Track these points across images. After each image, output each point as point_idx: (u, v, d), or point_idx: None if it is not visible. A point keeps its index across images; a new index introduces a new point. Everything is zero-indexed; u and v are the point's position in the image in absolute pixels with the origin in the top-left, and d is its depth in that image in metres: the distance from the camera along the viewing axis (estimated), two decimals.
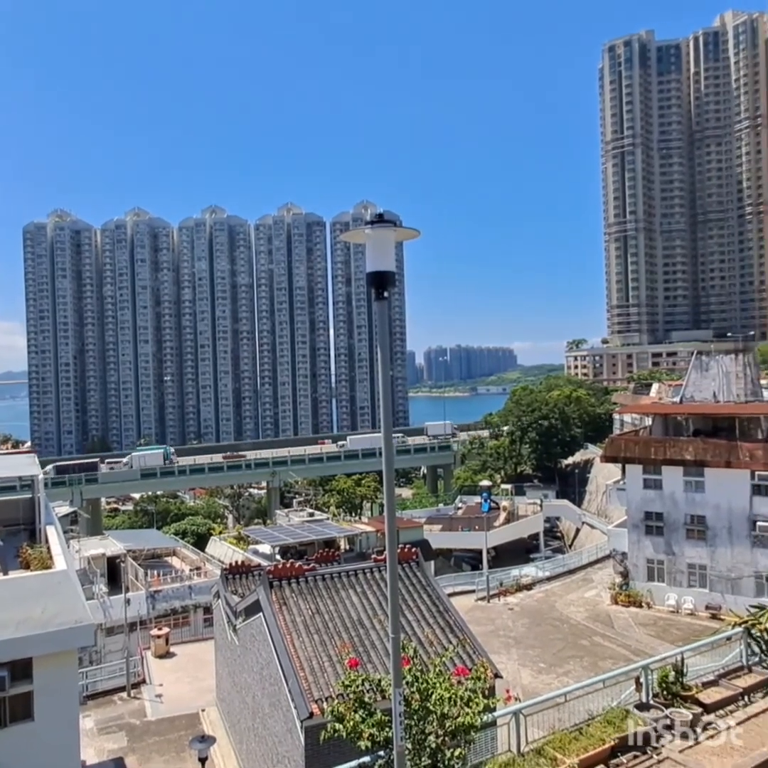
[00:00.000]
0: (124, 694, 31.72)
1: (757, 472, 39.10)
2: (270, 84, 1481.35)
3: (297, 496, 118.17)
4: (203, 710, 29.06)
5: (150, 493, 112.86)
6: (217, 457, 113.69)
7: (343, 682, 9.37)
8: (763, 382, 50.60)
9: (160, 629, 37.47)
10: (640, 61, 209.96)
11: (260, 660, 20.47)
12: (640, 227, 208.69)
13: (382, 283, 6.76)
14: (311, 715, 16.05)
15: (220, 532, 68.37)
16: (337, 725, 8.89)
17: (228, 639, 25.67)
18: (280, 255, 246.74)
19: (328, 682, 16.95)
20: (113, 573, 44.93)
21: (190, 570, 46.78)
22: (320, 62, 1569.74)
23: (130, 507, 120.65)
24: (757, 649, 13.67)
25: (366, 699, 9.07)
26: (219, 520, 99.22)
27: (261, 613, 20.02)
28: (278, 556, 42.69)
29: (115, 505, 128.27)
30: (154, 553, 52.41)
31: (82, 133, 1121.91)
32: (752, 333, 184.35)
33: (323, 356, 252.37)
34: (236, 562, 30.74)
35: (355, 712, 8.86)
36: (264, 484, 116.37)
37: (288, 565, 21.29)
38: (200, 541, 66.62)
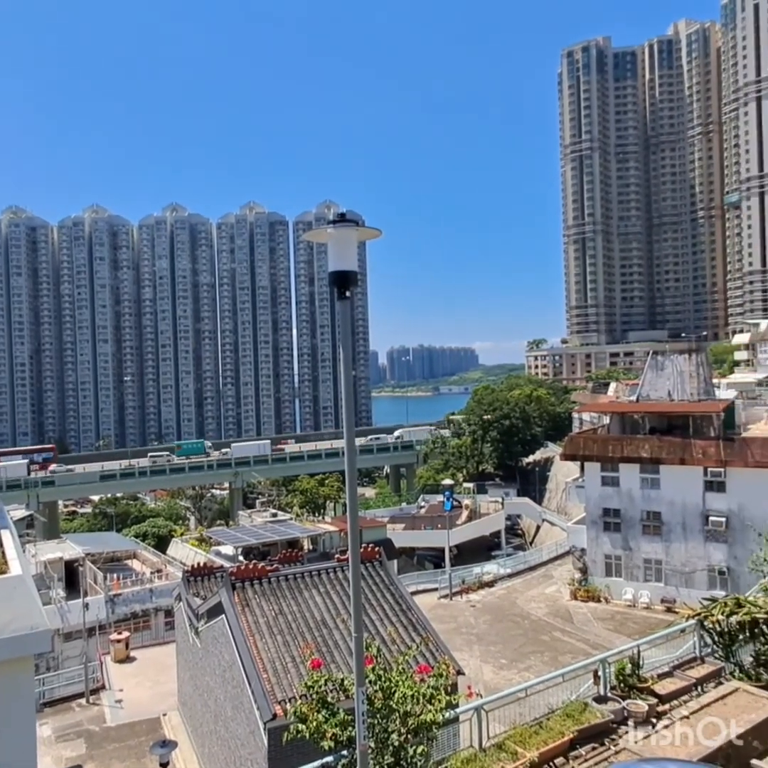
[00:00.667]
0: (82, 701, 31.08)
1: (709, 469, 40.26)
2: (231, 82, 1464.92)
3: (260, 496, 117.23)
4: (165, 715, 28.63)
5: (109, 495, 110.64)
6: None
7: (306, 683, 9.35)
8: (714, 381, 52.12)
9: (119, 633, 36.80)
10: (598, 67, 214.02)
11: (223, 662, 20.27)
12: (597, 230, 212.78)
13: (345, 282, 6.76)
14: (274, 716, 15.97)
15: (182, 534, 67.42)
16: (300, 726, 8.87)
17: (190, 642, 25.34)
18: (242, 254, 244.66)
19: (292, 683, 16.88)
20: (71, 577, 43.95)
21: (151, 573, 46.06)
22: (282, 62, 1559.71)
23: (88, 510, 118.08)
24: (709, 641, 14.06)
25: (329, 699, 9.07)
26: (181, 521, 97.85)
27: (223, 615, 19.84)
28: (241, 558, 42.30)
29: (73, 508, 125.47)
30: (114, 557, 51.46)
31: (38, 129, 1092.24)
32: (705, 333, 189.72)
33: (286, 356, 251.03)
34: (198, 563, 30.34)
35: (318, 712, 8.85)
36: (226, 484, 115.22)
37: (251, 566, 21.14)
38: (161, 544, 65.58)
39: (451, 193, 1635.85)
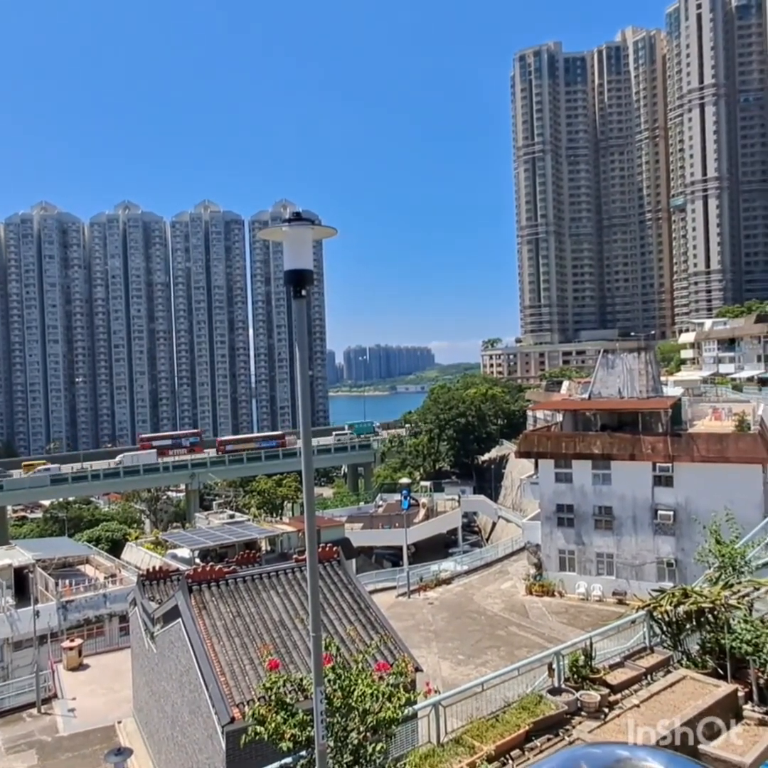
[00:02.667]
0: (33, 710, 30.19)
1: (657, 464, 41.47)
2: (184, 80, 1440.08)
3: (217, 497, 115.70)
4: (119, 722, 28.06)
5: (61, 499, 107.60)
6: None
7: (264, 685, 9.32)
8: (662, 378, 53.68)
9: (72, 641, 35.87)
10: (549, 71, 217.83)
11: (179, 667, 19.99)
12: (550, 231, 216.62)
13: (300, 281, 6.76)
14: (232, 719, 15.83)
15: (137, 538, 66.03)
16: (258, 728, 8.83)
17: (145, 647, 24.90)
18: (197, 253, 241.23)
19: (250, 686, 16.76)
20: (21, 584, 42.60)
21: (105, 578, 45.06)
22: (237, 59, 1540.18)
23: (39, 514, 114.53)
24: (658, 631, 14.45)
25: (288, 699, 9.06)
26: (135, 525, 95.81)
27: (180, 619, 19.56)
28: (198, 560, 41.67)
29: (22, 513, 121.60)
30: (66, 562, 50.14)
31: None
32: (653, 332, 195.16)
33: (243, 356, 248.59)
34: (154, 567, 29.80)
35: (277, 713, 8.82)
36: (183, 486, 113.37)
37: (208, 569, 20.88)
38: (116, 548, 64.16)
39: (407, 194, 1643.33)
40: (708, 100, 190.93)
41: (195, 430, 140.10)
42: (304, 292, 6.83)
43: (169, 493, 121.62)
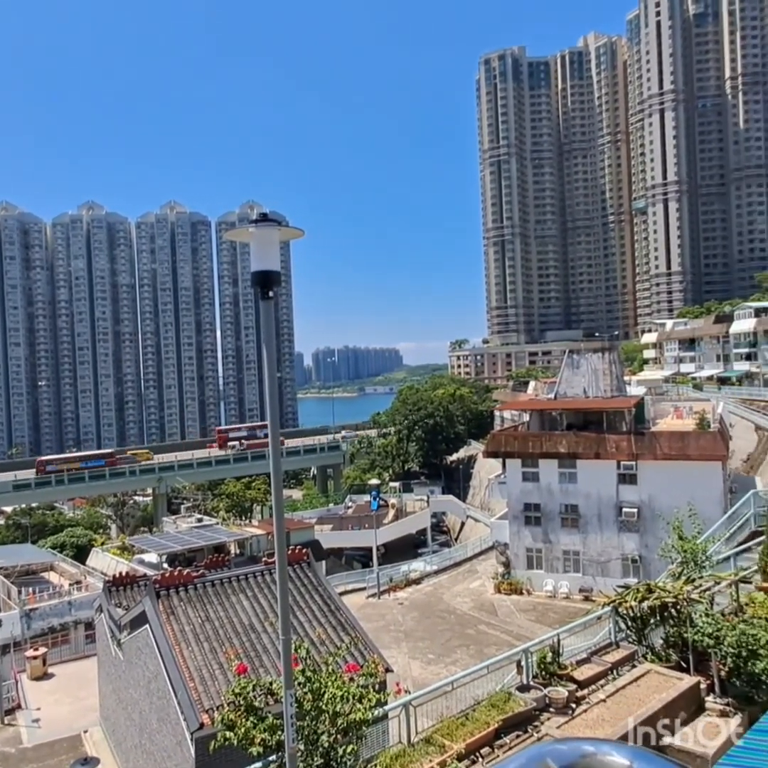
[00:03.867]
0: None
1: (622, 462, 42.19)
2: (152, 79, 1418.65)
3: (185, 501, 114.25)
4: (86, 731, 27.54)
5: (24, 505, 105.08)
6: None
7: (233, 690, 9.24)
8: (625, 378, 54.68)
9: (36, 650, 35.07)
10: (514, 75, 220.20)
11: (147, 673, 19.70)
12: (516, 232, 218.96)
13: (267, 282, 6.73)
14: (202, 725, 15.65)
15: (103, 543, 64.88)
16: (228, 733, 8.76)
17: (112, 654, 24.49)
18: (163, 254, 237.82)
19: (220, 691, 16.59)
20: None
21: (70, 585, 44.18)
22: (206, 60, 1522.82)
23: (1, 521, 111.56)
24: (623, 626, 14.72)
25: (257, 704, 9.00)
26: (101, 530, 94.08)
27: (147, 625, 19.28)
28: (166, 565, 41.07)
29: None
30: (29, 569, 49.03)
31: None
32: (617, 333, 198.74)
33: (210, 358, 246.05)
34: (120, 573, 29.31)
35: (246, 718, 8.76)
36: (150, 490, 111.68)
37: (176, 573, 20.61)
38: (81, 554, 62.94)
39: (375, 196, 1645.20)
40: (667, 105, 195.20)
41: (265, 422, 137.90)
42: (271, 294, 6.80)
43: (136, 497, 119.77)
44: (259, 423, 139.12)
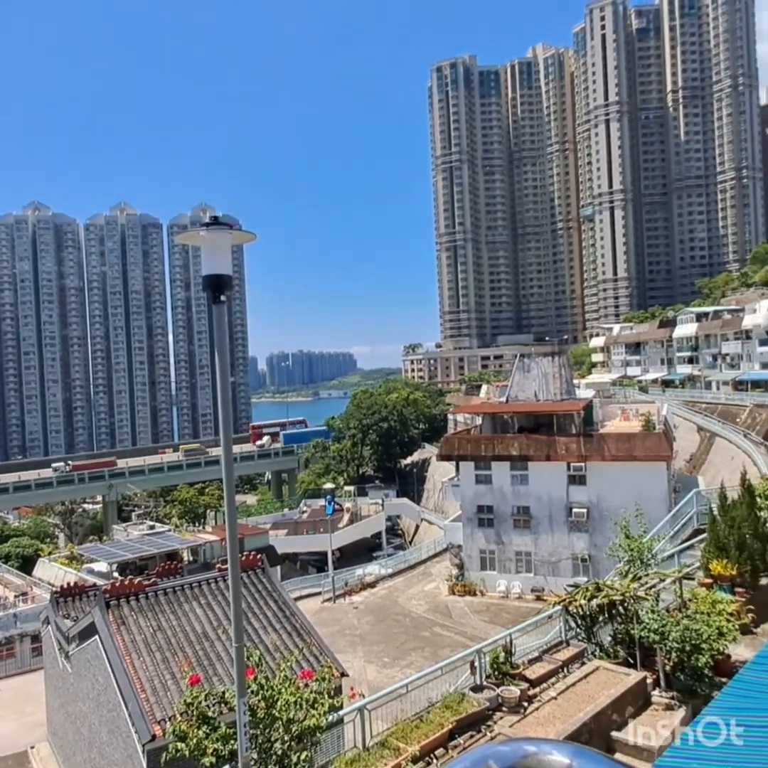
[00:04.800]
0: None
1: (571, 464, 43.09)
2: (102, 77, 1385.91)
3: (136, 508, 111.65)
4: (32, 747, 26.68)
5: None
6: (47, 472, 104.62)
7: (185, 700, 9.09)
8: (575, 381, 55.91)
9: None
10: (465, 83, 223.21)
11: (97, 686, 19.19)
12: (468, 238, 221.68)
13: (219, 286, 6.68)
14: (153, 737, 15.33)
15: (50, 553, 62.77)
16: (180, 744, 8.61)
17: (60, 667, 23.76)
18: (113, 257, 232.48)
19: (172, 701, 16.27)
20: None
21: (15, 596, 42.70)
22: (156, 60, 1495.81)
23: None
24: (573, 624, 14.99)
25: (210, 713, 8.88)
26: (48, 539, 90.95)
27: (97, 636, 18.78)
28: (116, 574, 40.11)
29: None
30: None
31: None
32: (566, 337, 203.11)
33: (162, 363, 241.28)
34: (68, 583, 28.46)
35: (198, 728, 8.63)
36: (99, 498, 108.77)
37: (126, 582, 20.15)
38: (27, 564, 60.87)
39: (330, 200, 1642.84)
40: (613, 116, 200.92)
41: (300, 418, 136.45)
42: (223, 298, 6.75)
43: (85, 505, 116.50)
44: (291, 419, 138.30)
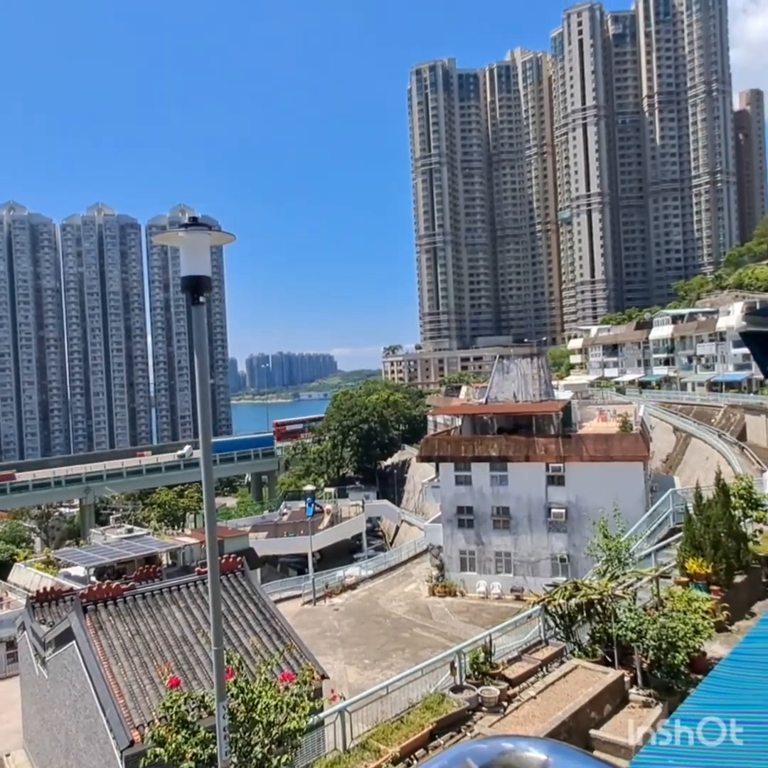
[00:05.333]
0: None
1: (550, 465, 43.42)
2: (75, 79, 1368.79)
3: (114, 512, 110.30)
4: (8, 755, 26.26)
5: None
6: (26, 475, 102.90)
7: (164, 704, 9.02)
8: (553, 382, 56.34)
9: None
10: (444, 85, 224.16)
11: (74, 692, 18.94)
12: (447, 240, 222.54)
13: (198, 287, 6.63)
14: (132, 743, 15.17)
15: (26, 558, 61.82)
16: (158, 749, 8.53)
17: (36, 673, 23.42)
18: (90, 258, 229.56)
19: (151, 706, 16.11)
20: None
21: None
22: (133, 59, 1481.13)
23: None
24: (552, 624, 15.10)
25: (189, 718, 8.81)
26: (24, 544, 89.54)
27: (74, 641, 18.54)
28: (94, 578, 39.60)
29: None
30: None
31: None
32: (544, 338, 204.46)
33: (141, 365, 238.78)
34: (45, 588, 28.04)
35: (177, 732, 8.56)
36: (77, 501, 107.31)
37: (104, 586, 19.91)
38: (2, 570, 59.82)
39: (309, 204, 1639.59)
40: (590, 120, 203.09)
41: (320, 416, 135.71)
42: (202, 299, 6.71)
43: (62, 509, 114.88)
44: (313, 416, 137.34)
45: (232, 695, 8.77)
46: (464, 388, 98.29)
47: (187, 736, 8.54)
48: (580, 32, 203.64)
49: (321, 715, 11.28)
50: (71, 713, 19.46)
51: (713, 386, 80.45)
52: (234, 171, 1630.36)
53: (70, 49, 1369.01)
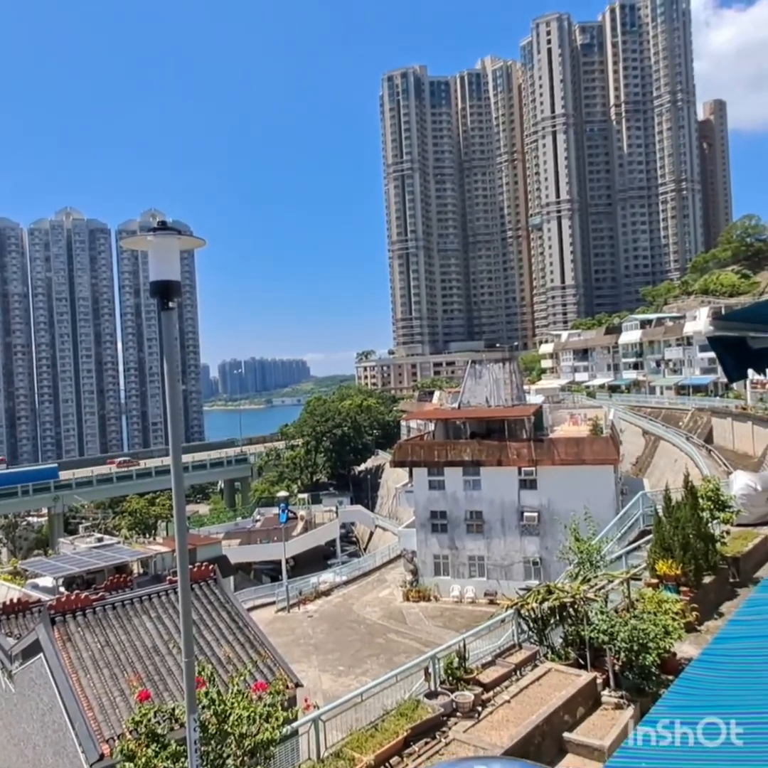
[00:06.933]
0: None
1: (523, 468, 43.72)
2: (39, 81, 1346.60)
3: (84, 520, 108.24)
4: None
5: None
6: None
7: (133, 718, 8.84)
8: (525, 387, 56.87)
9: None
10: (416, 92, 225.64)
11: (42, 706, 18.51)
12: (419, 246, 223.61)
13: (167, 293, 6.54)
14: (102, 756, 14.85)
15: None
16: (128, 764, 8.36)
17: (2, 687, 22.84)
18: (59, 262, 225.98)
19: (121, 719, 15.79)
20: None
21: None
22: (102, 60, 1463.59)
23: None
24: (525, 627, 15.13)
25: (160, 730, 8.65)
26: None
27: (41, 654, 18.12)
28: (62, 589, 38.77)
29: None
30: None
31: None
32: (516, 343, 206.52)
33: (111, 371, 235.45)
34: (11, 600, 27.35)
35: (147, 746, 8.40)
36: (45, 510, 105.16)
37: (73, 597, 19.50)
38: None
39: (284, 209, 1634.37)
40: (559, 128, 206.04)
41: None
42: (171, 304, 6.62)
43: (30, 518, 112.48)
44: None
45: (203, 707, 8.63)
46: (437, 393, 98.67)
47: (157, 749, 8.38)
48: (549, 41, 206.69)
49: (294, 724, 11.15)
50: (39, 727, 19.03)
51: (681, 390, 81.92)
52: (208, 176, 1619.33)
53: (38, 48, 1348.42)
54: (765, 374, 6.53)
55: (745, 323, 6.02)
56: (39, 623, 18.89)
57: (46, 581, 42.28)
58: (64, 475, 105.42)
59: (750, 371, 6.78)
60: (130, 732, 9.10)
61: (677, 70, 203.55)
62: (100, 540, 61.69)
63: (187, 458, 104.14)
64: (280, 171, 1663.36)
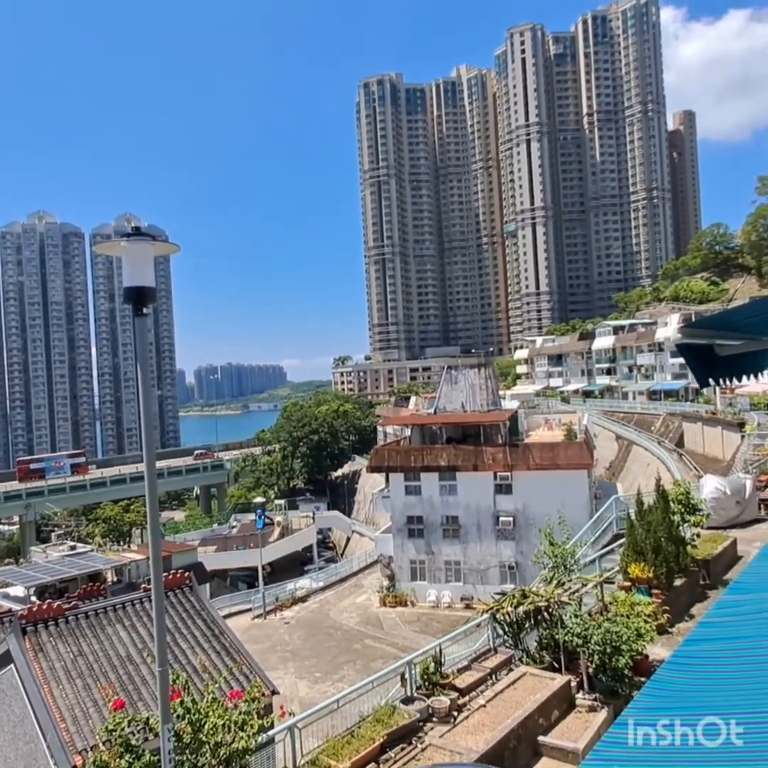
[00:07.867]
0: None
1: (498, 473, 44.02)
2: (13, 82, 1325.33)
3: (56, 528, 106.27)
4: None
5: None
6: None
7: (106, 727, 8.72)
8: (500, 392, 57.26)
9: None
10: (392, 99, 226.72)
11: (13, 718, 18.14)
12: (396, 251, 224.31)
13: (141, 298, 6.51)
14: None
15: None
16: None
17: None
18: (31, 267, 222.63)
19: (94, 729, 15.56)
20: None
21: None
22: (78, 60, 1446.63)
23: None
24: (501, 632, 15.20)
25: (133, 741, 8.55)
26: None
27: (12, 665, 17.79)
28: (34, 598, 38.03)
29: None
30: None
31: None
32: (492, 349, 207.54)
33: (85, 376, 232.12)
34: None
35: (121, 757, 8.29)
36: (16, 518, 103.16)
37: (45, 607, 19.18)
38: None
39: (260, 215, 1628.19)
40: (533, 136, 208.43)
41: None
42: (146, 310, 6.59)
43: (1, 526, 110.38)
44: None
45: (178, 716, 8.56)
46: (413, 399, 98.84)
47: (130, 760, 8.28)
48: (523, 51, 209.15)
49: (270, 732, 11.08)
50: (10, 740, 18.66)
51: (653, 395, 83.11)
52: (185, 180, 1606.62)
53: (10, 47, 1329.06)
54: (732, 381, 6.70)
55: (712, 331, 6.16)
56: (10, 633, 18.56)
57: (18, 590, 41.47)
58: (36, 482, 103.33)
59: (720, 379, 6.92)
60: (104, 742, 8.98)
61: (648, 80, 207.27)
62: (73, 548, 60.65)
63: (161, 464, 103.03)
64: (257, 177, 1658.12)
